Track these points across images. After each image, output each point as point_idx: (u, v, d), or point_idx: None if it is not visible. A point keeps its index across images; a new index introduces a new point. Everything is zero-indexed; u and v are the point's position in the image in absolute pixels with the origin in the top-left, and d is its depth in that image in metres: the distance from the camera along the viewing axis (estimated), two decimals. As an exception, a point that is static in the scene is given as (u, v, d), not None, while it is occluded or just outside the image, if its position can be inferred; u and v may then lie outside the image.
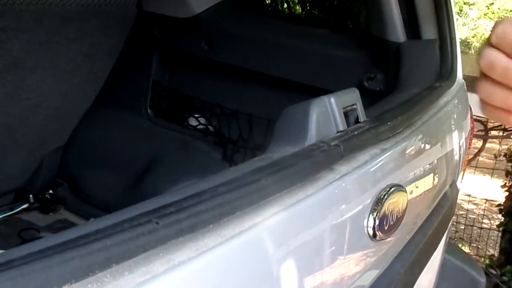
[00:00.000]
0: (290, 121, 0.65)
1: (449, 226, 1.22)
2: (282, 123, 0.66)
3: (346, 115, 0.68)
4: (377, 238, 0.68)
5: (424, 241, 0.93)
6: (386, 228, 0.69)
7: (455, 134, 1.09)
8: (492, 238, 3.15)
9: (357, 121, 0.71)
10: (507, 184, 2.80)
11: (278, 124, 0.67)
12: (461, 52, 1.23)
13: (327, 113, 0.65)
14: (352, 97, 0.71)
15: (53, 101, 1.33)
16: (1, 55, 1.10)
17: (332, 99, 0.64)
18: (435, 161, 0.95)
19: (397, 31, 1.13)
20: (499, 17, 8.40)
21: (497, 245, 2.92)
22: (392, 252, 0.80)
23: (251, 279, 0.48)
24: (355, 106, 0.70)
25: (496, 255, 2.86)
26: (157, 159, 1.40)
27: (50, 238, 0.37)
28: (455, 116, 1.11)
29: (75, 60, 1.28)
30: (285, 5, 2.40)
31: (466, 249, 2.95)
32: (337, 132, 0.65)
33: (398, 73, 1.11)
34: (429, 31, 1.16)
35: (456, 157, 1.11)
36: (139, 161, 1.41)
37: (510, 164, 2.84)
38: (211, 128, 1.39)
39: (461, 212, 3.36)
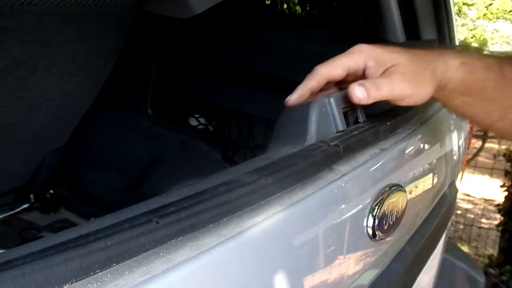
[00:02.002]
0: (290, 121, 0.66)
1: (448, 226, 1.22)
2: (282, 123, 0.67)
3: (345, 115, 0.68)
4: (377, 237, 0.68)
5: (423, 241, 0.93)
6: (385, 227, 0.69)
7: (454, 134, 1.09)
8: (491, 238, 3.15)
9: (356, 121, 0.71)
10: (506, 184, 2.80)
11: (278, 124, 0.67)
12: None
13: (327, 114, 0.65)
14: None
15: (53, 101, 1.33)
16: (1, 55, 1.10)
17: (331, 100, 0.65)
18: (435, 161, 0.95)
19: (397, 31, 1.14)
20: (497, 18, 8.39)
21: (496, 244, 2.93)
22: (391, 252, 0.80)
23: (251, 279, 0.49)
24: (354, 107, 0.71)
25: (495, 255, 2.86)
26: (157, 159, 1.40)
27: (51, 237, 0.37)
28: (454, 115, 1.11)
29: (75, 60, 1.28)
30: (285, 6, 2.40)
31: (465, 248, 2.95)
32: (337, 132, 0.65)
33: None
34: (428, 31, 1.16)
35: (456, 157, 1.11)
36: (139, 161, 1.42)
37: (509, 164, 2.85)
38: (211, 128, 1.39)
39: (460, 212, 3.36)
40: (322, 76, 0.65)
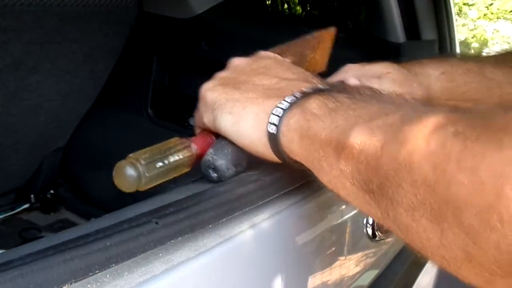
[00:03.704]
0: None
1: (448, 226, 1.22)
2: None
3: None
4: (377, 238, 0.68)
5: (423, 241, 0.93)
6: (385, 228, 0.69)
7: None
8: (492, 238, 3.15)
9: None
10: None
11: None
12: (461, 52, 1.23)
13: None
14: None
15: (53, 101, 1.33)
16: (1, 56, 1.10)
17: None
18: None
19: (397, 32, 1.13)
20: (498, 18, 8.39)
21: (497, 245, 2.92)
22: (391, 252, 0.80)
23: (250, 279, 0.49)
24: None
25: (496, 255, 2.85)
26: (157, 159, 1.40)
27: (50, 238, 0.37)
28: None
29: (75, 60, 1.28)
30: (286, 6, 2.40)
31: (466, 249, 2.95)
32: None
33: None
34: (428, 32, 1.16)
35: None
36: (140, 161, 1.41)
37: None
38: (211, 128, 1.39)
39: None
40: None
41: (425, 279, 1.08)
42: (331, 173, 0.39)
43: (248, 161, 0.51)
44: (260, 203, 0.49)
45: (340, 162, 0.37)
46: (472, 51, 8.20)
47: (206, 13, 1.28)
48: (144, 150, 0.49)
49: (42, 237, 1.36)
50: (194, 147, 0.52)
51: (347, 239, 0.63)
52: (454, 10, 1.22)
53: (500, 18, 8.56)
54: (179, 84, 1.44)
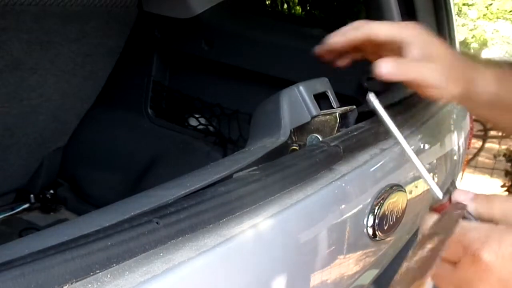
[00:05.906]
0: (264, 113, 0.68)
1: (448, 226, 1.22)
2: (257, 117, 0.69)
3: (318, 102, 0.70)
4: (377, 237, 0.68)
5: (423, 241, 0.93)
6: (385, 228, 0.69)
7: (455, 134, 1.09)
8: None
9: (330, 106, 0.72)
10: (506, 184, 2.80)
11: (253, 118, 0.69)
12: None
13: (298, 101, 0.67)
14: (321, 84, 0.74)
15: (53, 101, 1.33)
16: (1, 56, 1.10)
17: (301, 87, 0.67)
18: (435, 161, 0.95)
19: (397, 32, 1.13)
20: (497, 18, 8.38)
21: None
22: (391, 252, 0.80)
23: (251, 279, 0.49)
24: (326, 93, 0.72)
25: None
26: (157, 159, 1.40)
27: (50, 235, 0.37)
28: (454, 116, 1.11)
29: (75, 60, 1.28)
30: (285, 6, 2.40)
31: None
32: (312, 118, 0.67)
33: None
34: (428, 32, 1.16)
35: (456, 157, 1.11)
36: (140, 161, 1.41)
37: (509, 164, 2.84)
38: (211, 128, 1.39)
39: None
40: (367, 31, 0.63)
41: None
42: None
43: None
44: (261, 203, 0.49)
45: None
46: (472, 52, 8.20)
47: (206, 13, 1.28)
48: None
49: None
50: None
51: (347, 238, 0.63)
52: (454, 10, 1.22)
53: (499, 18, 8.55)
54: (179, 84, 1.44)
